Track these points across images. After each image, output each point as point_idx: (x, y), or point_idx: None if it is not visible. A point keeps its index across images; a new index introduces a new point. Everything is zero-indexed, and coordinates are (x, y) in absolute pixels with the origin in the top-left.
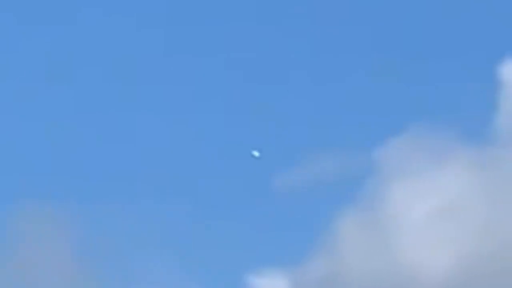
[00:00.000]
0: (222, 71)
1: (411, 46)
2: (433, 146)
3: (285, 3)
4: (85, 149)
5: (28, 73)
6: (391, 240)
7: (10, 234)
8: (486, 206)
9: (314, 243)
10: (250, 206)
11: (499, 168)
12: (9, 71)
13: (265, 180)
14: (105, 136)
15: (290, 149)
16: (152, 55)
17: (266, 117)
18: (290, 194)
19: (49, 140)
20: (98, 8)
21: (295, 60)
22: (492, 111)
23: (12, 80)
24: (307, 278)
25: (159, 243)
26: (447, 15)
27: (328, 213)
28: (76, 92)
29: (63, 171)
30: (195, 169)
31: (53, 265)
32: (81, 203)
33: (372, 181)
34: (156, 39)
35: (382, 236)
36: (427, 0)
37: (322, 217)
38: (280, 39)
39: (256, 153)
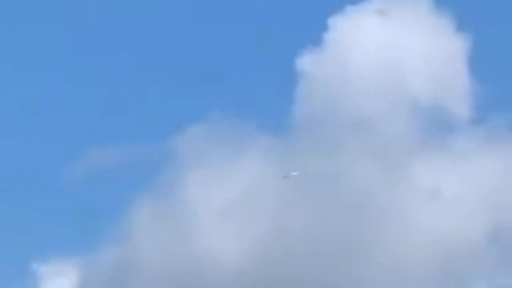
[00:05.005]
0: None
1: (212, 39)
2: (232, 135)
3: None
4: None
5: None
6: (186, 227)
7: None
8: (279, 194)
9: (106, 231)
10: (38, 195)
11: (295, 156)
12: None
13: (55, 170)
14: None
15: (81, 141)
16: None
17: (52, 109)
18: (82, 183)
19: None
20: None
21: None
22: (290, 102)
23: None
24: (97, 265)
25: None
26: (247, 7)
27: (122, 201)
28: None
29: None
30: None
31: None
32: None
33: (168, 170)
34: None
35: (178, 224)
36: None
37: (115, 206)
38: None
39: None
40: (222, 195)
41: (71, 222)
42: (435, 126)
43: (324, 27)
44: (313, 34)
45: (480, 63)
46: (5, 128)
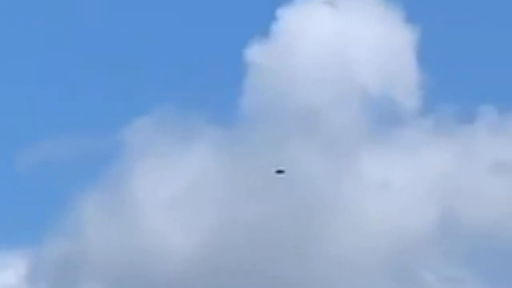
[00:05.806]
0: None
1: (159, 30)
2: (180, 128)
3: None
4: None
5: None
6: (134, 219)
7: None
8: (227, 186)
9: (54, 223)
10: None
11: (243, 148)
12: None
13: (1, 162)
14: None
15: (27, 133)
16: None
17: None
18: (29, 175)
19: None
20: None
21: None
22: (238, 94)
23: None
24: (45, 257)
25: None
26: None
27: (70, 193)
28: None
29: None
30: None
31: None
32: None
33: (117, 162)
34: None
35: (126, 216)
36: None
37: (62, 198)
38: None
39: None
40: (170, 187)
41: (19, 214)
42: (384, 117)
43: (272, 18)
44: (261, 25)
45: (428, 54)
46: None
